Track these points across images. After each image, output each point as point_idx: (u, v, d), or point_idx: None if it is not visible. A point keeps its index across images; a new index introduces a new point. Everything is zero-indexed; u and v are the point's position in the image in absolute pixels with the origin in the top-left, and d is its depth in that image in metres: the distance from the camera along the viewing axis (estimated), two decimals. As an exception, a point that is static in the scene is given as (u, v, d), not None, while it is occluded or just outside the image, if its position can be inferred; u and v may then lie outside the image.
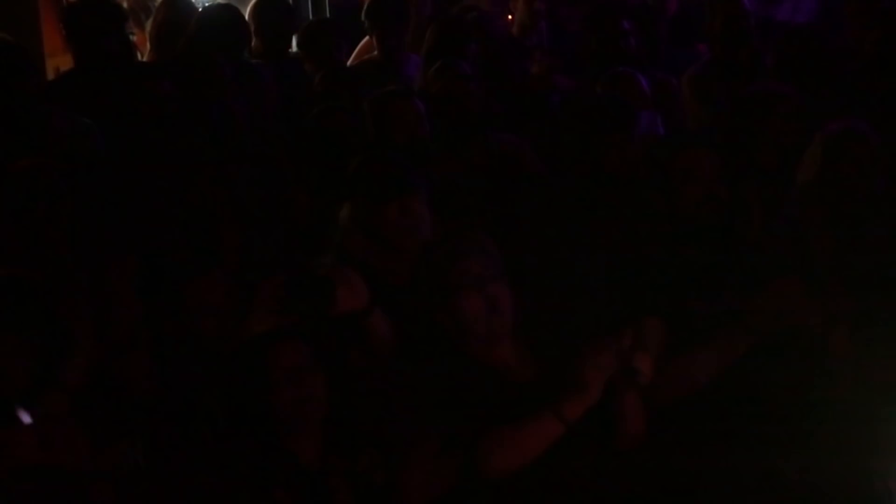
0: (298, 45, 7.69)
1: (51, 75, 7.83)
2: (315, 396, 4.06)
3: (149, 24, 7.94)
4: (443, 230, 4.67)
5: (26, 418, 3.88)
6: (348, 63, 7.73)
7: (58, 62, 8.05)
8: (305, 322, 4.19)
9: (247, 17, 7.46)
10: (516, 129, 6.28)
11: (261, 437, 4.03)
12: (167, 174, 5.56)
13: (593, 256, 4.86)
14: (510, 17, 8.28)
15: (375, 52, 7.61)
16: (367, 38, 7.82)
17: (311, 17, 9.07)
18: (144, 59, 7.81)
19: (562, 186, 5.57)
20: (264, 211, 5.44)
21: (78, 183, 5.06)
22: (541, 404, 3.95)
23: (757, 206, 5.18)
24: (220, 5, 7.73)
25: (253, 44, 7.39)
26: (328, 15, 9.11)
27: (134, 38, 8.33)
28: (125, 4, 8.28)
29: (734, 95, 5.86)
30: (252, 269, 4.74)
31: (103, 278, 4.81)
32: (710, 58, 7.10)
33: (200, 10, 7.73)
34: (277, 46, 7.51)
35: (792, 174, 5.27)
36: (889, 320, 4.38)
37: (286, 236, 5.29)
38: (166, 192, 5.40)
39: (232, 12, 7.31)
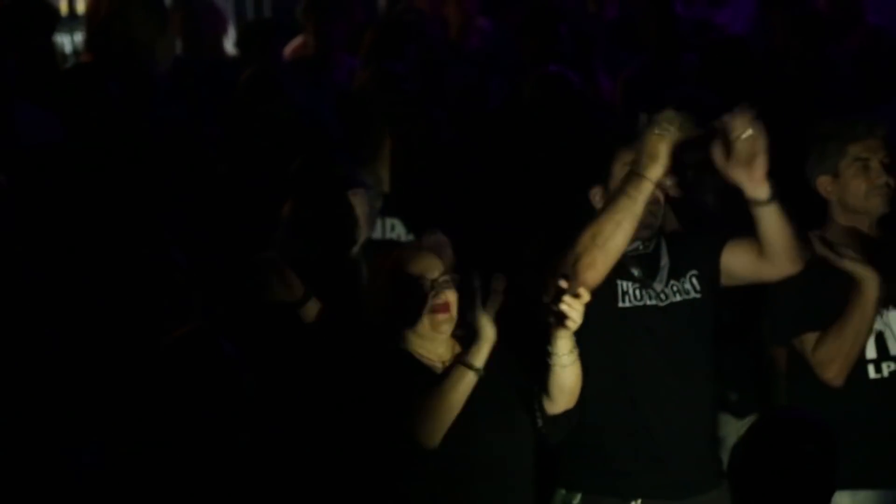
0: (237, 45, 7.73)
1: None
2: None
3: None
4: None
5: None
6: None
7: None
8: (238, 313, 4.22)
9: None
10: (454, 130, 6.37)
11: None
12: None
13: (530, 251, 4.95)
14: None
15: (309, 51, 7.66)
16: (300, 37, 7.88)
17: (252, 16, 9.12)
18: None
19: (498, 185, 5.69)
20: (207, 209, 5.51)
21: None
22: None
23: None
24: None
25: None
26: (269, 15, 9.15)
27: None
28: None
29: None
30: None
31: None
32: (644, 61, 7.23)
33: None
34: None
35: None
36: None
37: (229, 232, 5.35)
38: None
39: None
